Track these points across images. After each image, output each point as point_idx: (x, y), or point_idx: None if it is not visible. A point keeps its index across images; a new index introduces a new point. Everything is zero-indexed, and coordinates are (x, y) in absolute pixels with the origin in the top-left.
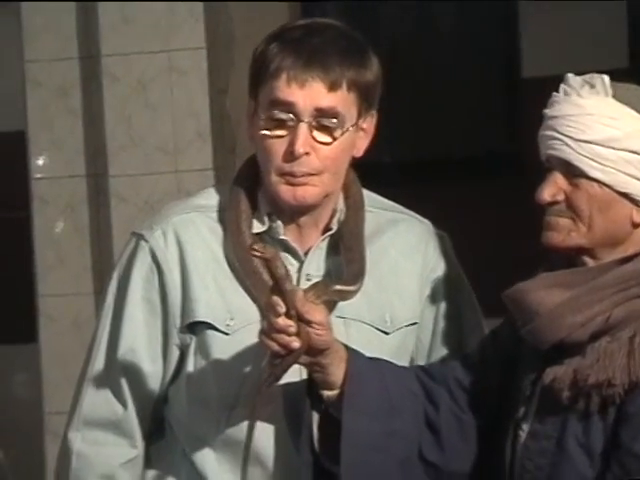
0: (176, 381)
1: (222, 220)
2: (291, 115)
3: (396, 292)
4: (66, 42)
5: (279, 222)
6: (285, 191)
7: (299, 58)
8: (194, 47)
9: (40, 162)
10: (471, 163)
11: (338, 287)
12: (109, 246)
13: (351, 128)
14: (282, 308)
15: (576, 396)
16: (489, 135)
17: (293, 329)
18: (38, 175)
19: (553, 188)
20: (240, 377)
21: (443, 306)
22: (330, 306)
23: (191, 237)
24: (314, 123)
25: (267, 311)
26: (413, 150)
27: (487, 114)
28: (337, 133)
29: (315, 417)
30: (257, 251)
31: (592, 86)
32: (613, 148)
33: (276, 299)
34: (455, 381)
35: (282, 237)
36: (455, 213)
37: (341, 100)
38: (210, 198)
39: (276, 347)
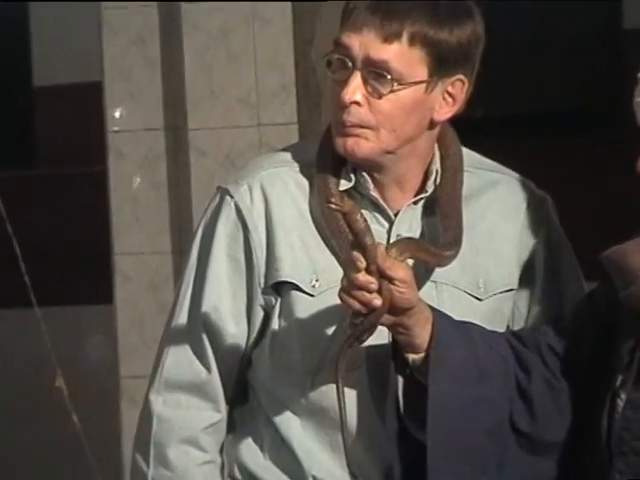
0: (260, 344)
1: (310, 176)
2: (347, 60)
3: (492, 256)
4: None
5: (366, 176)
6: (338, 142)
7: (369, 7)
8: None
9: (117, 114)
10: (567, 117)
11: (430, 248)
12: (188, 203)
13: (411, 87)
14: (362, 263)
15: None
16: (586, 88)
17: (374, 286)
18: (115, 128)
19: None
20: (324, 341)
21: (542, 272)
22: (419, 269)
23: (278, 193)
24: (366, 72)
25: (347, 267)
26: (507, 104)
27: (585, 67)
28: (386, 88)
29: (400, 382)
30: (334, 204)
31: None
32: None
33: (356, 254)
34: (547, 347)
35: (372, 193)
36: (549, 170)
37: (397, 54)
38: (298, 153)
39: (357, 305)
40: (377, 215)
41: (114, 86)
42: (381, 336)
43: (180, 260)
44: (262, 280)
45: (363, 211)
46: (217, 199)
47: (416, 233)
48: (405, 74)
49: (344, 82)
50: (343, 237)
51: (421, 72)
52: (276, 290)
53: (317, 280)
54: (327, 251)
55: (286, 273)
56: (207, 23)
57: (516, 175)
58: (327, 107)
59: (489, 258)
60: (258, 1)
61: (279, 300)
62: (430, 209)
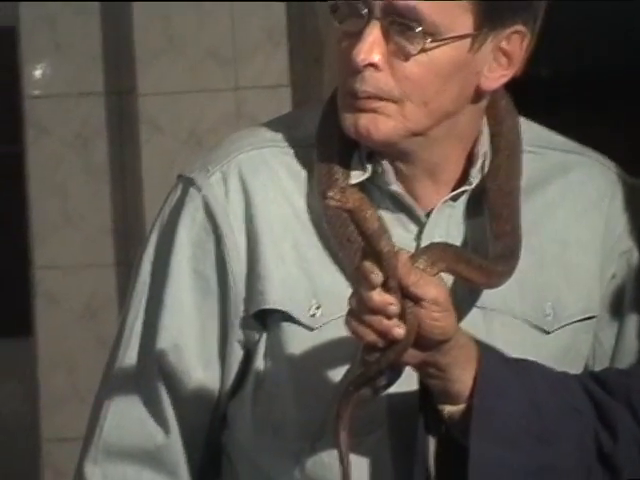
0: (238, 395)
1: (308, 161)
2: (361, 5)
3: (564, 271)
4: None
5: (386, 165)
6: (347, 119)
7: None
8: None
9: (37, 73)
10: None
11: (475, 259)
12: (137, 196)
13: (451, 43)
14: (378, 276)
15: None
16: None
17: (395, 308)
18: (35, 92)
19: None
20: (328, 392)
21: (636, 293)
22: (460, 289)
23: (264, 184)
24: (387, 23)
25: (357, 282)
26: (580, 60)
27: None
28: (415, 46)
29: (432, 444)
30: (333, 199)
31: None
32: None
33: (369, 264)
34: None
35: (392, 188)
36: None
37: (435, 2)
38: (292, 127)
39: (371, 336)
40: (402, 216)
41: (33, 34)
42: (407, 382)
43: (127, 276)
44: (241, 307)
45: (383, 213)
46: (178, 192)
47: (456, 241)
48: (443, 26)
49: (356, 36)
50: (354, 246)
51: (465, 23)
52: (261, 320)
53: (318, 307)
54: (332, 266)
55: (275, 298)
56: None
57: (598, 156)
58: (333, 65)
59: (560, 274)
60: None
61: (265, 334)
62: (476, 207)
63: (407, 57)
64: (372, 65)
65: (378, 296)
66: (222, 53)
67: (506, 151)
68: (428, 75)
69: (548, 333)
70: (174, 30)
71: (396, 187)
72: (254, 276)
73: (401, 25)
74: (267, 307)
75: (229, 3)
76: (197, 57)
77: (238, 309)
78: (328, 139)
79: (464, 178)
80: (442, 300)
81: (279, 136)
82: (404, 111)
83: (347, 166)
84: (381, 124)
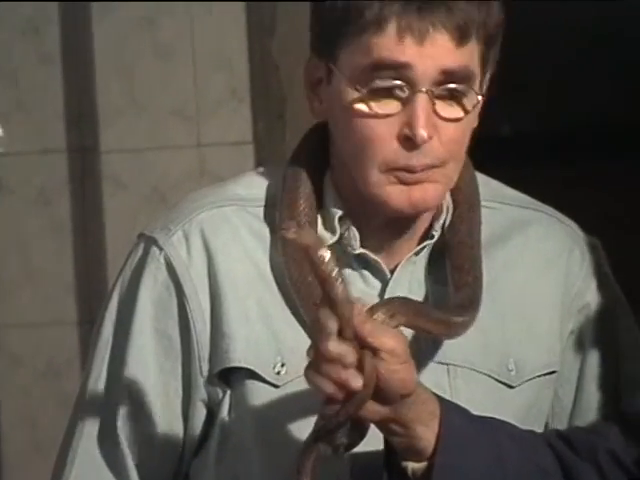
0: (202, 453)
1: (270, 219)
2: (404, 82)
3: (525, 326)
4: None
5: (353, 231)
6: (398, 195)
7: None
8: None
9: None
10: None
11: (433, 312)
12: (100, 253)
13: (481, 93)
14: (334, 325)
15: None
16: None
17: (351, 357)
18: None
19: None
20: (294, 449)
21: (595, 348)
22: (422, 344)
23: (226, 243)
24: (438, 92)
25: (313, 332)
26: (542, 119)
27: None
28: (469, 103)
29: None
30: (288, 231)
31: None
32: None
33: (325, 312)
34: (609, 456)
35: (358, 252)
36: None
37: (471, 55)
38: (253, 186)
39: (329, 387)
40: (366, 273)
41: None
42: (372, 442)
43: (89, 334)
44: (205, 366)
45: (345, 271)
46: (139, 251)
47: (419, 295)
48: (477, 80)
49: (394, 114)
50: (313, 299)
51: (480, 72)
52: (225, 379)
53: (283, 365)
54: (296, 324)
55: (240, 356)
56: (125, 4)
57: (555, 212)
58: (295, 121)
59: (521, 329)
60: None
61: (229, 393)
62: (438, 259)
63: (459, 120)
64: (429, 138)
65: (334, 345)
66: (185, 110)
67: (465, 204)
68: (467, 131)
69: (512, 388)
70: (137, 87)
71: (362, 250)
72: (218, 335)
73: (453, 89)
74: (232, 365)
75: (191, 58)
76: (160, 114)
77: (202, 368)
78: (293, 199)
79: (427, 231)
80: (400, 351)
81: (239, 195)
82: (447, 172)
83: (313, 225)
84: (433, 191)
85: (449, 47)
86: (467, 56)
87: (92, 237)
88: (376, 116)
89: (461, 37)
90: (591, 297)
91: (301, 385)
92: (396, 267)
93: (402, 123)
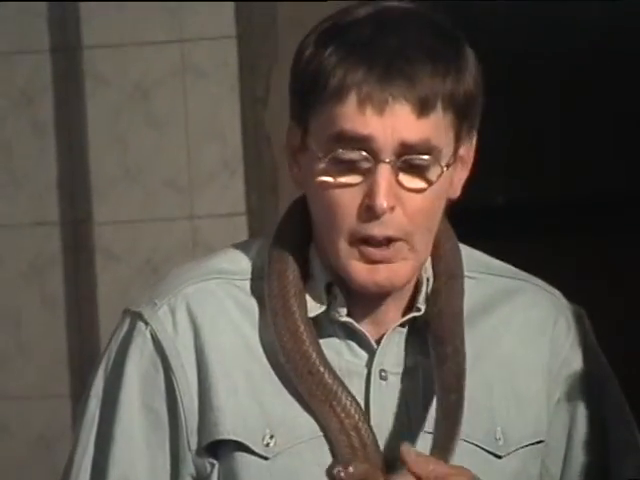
0: None
1: (257, 292)
2: (365, 154)
3: (512, 396)
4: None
5: (340, 298)
6: (364, 272)
7: (372, 69)
8: (219, 36)
9: None
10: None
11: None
12: (93, 325)
13: (449, 165)
14: None
15: None
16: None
17: None
18: None
19: None
20: None
21: (582, 416)
22: (413, 415)
23: (212, 316)
24: (399, 163)
25: None
26: (539, 188)
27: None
28: (433, 174)
29: None
30: (342, 471)
31: None
32: None
33: None
34: None
35: (344, 319)
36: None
37: (435, 127)
38: (238, 259)
39: None
40: (352, 344)
41: None
42: None
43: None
44: (193, 439)
45: (333, 339)
46: (125, 327)
47: (402, 366)
48: (444, 151)
49: (357, 184)
50: (315, 378)
51: (452, 142)
52: (213, 452)
53: (272, 437)
54: (286, 395)
55: (228, 428)
56: (119, 76)
57: (539, 282)
58: (288, 193)
59: (509, 398)
60: (191, 40)
61: (217, 466)
62: (423, 330)
63: (422, 191)
64: (390, 208)
65: None
66: (178, 181)
67: (444, 275)
68: (435, 201)
69: (500, 458)
70: (130, 158)
71: (347, 319)
72: (206, 408)
73: (410, 162)
74: (221, 438)
75: (184, 130)
76: (153, 185)
77: (190, 442)
78: (280, 271)
79: (412, 299)
80: None
81: (224, 268)
82: (415, 246)
83: (300, 297)
84: (402, 270)
85: (410, 119)
86: (430, 128)
87: (85, 309)
88: (339, 186)
89: (422, 109)
90: (577, 365)
91: (290, 456)
92: (382, 336)
93: (364, 193)
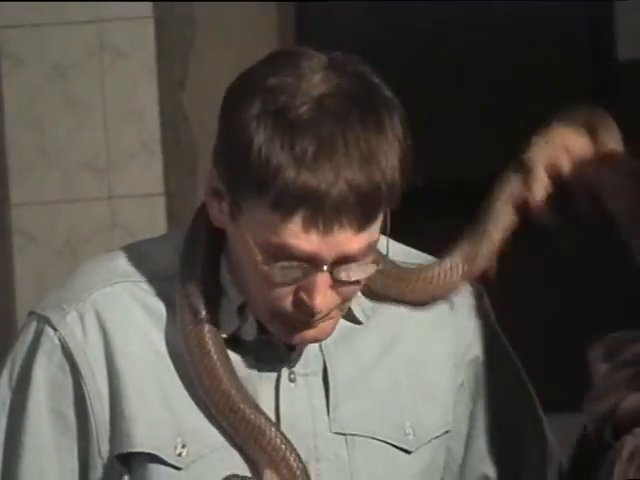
0: None
1: (164, 294)
2: (305, 264)
3: (420, 389)
4: None
5: (250, 319)
6: (281, 332)
7: (325, 195)
8: (136, 16)
9: None
10: None
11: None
12: (10, 308)
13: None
14: None
15: None
16: None
17: None
18: None
19: None
20: None
21: (484, 398)
22: (319, 416)
23: (121, 322)
24: (337, 269)
25: None
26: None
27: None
28: (369, 271)
29: None
30: None
31: None
32: None
33: None
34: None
35: (251, 339)
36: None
37: (375, 229)
38: (145, 259)
39: None
40: (265, 351)
41: None
42: None
43: None
44: (104, 447)
45: (246, 352)
46: (32, 330)
47: (315, 367)
48: (377, 236)
49: (293, 279)
50: (237, 417)
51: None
52: (125, 461)
53: (184, 446)
54: (196, 403)
55: (141, 440)
56: (35, 55)
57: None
58: (206, 172)
59: (417, 392)
60: (107, 21)
61: (127, 477)
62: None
63: (358, 282)
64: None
65: None
66: (96, 163)
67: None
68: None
69: (409, 453)
70: (48, 139)
71: (261, 336)
72: (118, 416)
73: (348, 266)
74: (133, 450)
75: (102, 111)
76: (71, 167)
77: (101, 450)
78: (190, 285)
79: None
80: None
81: (132, 269)
82: (345, 307)
83: (213, 315)
84: (329, 327)
85: (352, 235)
86: (370, 234)
87: (2, 291)
88: (275, 284)
89: (365, 224)
90: (479, 348)
91: (203, 465)
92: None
93: (300, 287)
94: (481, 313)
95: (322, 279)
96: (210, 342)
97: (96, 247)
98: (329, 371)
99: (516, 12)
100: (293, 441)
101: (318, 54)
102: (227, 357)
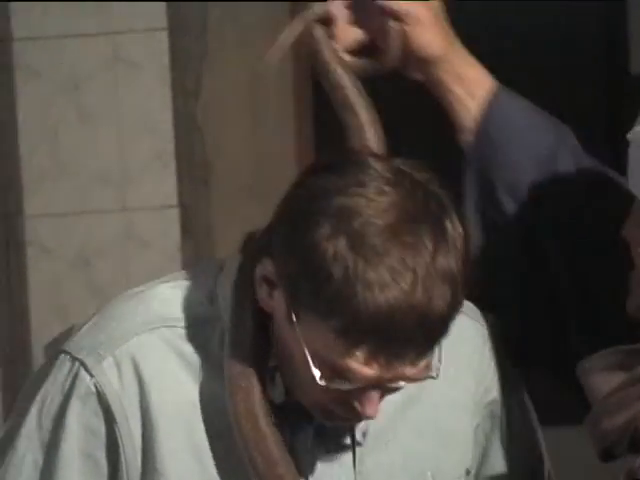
0: None
1: (198, 340)
2: (362, 385)
3: (441, 438)
4: None
5: (278, 381)
6: (324, 419)
7: (386, 327)
8: (150, 28)
9: None
10: None
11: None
12: (24, 323)
13: None
14: None
15: None
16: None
17: None
18: None
19: None
20: None
21: (496, 434)
22: (344, 472)
23: (157, 372)
24: (394, 382)
25: None
26: None
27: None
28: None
29: None
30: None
31: None
32: None
33: None
34: None
35: (279, 401)
36: None
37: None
38: (174, 302)
39: None
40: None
41: None
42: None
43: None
44: None
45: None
46: (65, 371)
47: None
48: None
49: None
50: (268, 458)
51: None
52: None
53: None
54: (229, 460)
55: None
56: (50, 67)
57: (466, 308)
58: (220, 186)
59: (438, 441)
60: (123, 34)
61: None
62: None
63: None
64: None
65: None
66: (110, 174)
67: None
68: None
69: None
70: (62, 151)
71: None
72: (149, 468)
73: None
74: None
75: (116, 125)
76: (85, 178)
77: None
78: (243, 329)
79: None
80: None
81: (167, 314)
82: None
83: (261, 375)
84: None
85: (412, 364)
86: (431, 357)
87: (17, 305)
88: (328, 392)
89: (428, 353)
90: (496, 389)
91: None
92: None
93: (353, 392)
94: (497, 352)
95: (377, 393)
96: (268, 431)
97: (110, 259)
98: (356, 424)
99: (531, 27)
100: None
101: (381, 163)
102: (277, 431)
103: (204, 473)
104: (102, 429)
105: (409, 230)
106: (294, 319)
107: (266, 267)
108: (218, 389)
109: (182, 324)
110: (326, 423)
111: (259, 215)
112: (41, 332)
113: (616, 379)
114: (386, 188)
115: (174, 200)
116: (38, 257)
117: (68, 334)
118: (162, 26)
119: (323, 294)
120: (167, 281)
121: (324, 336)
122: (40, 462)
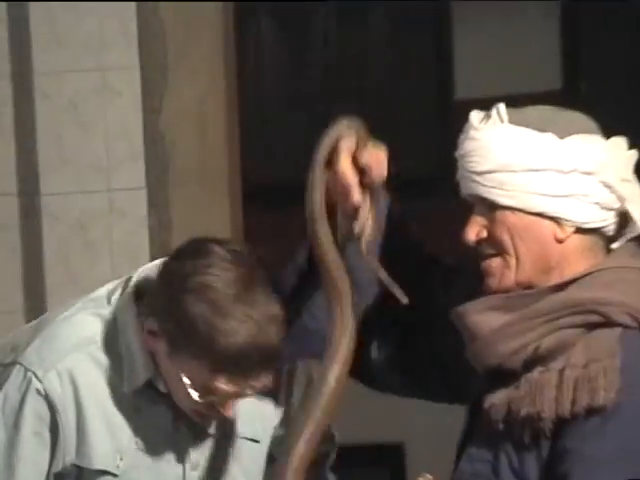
0: None
1: (107, 355)
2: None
3: None
4: None
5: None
6: (197, 418)
7: (241, 360)
8: (128, 66)
9: None
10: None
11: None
12: (40, 266)
13: None
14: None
15: (511, 426)
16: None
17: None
18: None
19: (475, 226)
20: None
21: None
22: None
23: (85, 378)
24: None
25: None
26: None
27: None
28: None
29: None
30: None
31: (489, 117)
32: (513, 171)
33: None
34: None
35: (165, 391)
36: None
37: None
38: (89, 326)
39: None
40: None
41: None
42: None
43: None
44: (68, 459)
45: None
46: (21, 378)
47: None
48: None
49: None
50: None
51: None
52: (81, 469)
53: (121, 459)
54: (130, 430)
55: (97, 460)
56: (58, 93)
57: None
58: (176, 173)
59: None
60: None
61: (80, 473)
62: None
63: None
64: None
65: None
66: (99, 165)
67: None
68: None
69: None
70: (66, 150)
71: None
72: (82, 442)
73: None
74: (92, 468)
75: (104, 131)
76: (82, 168)
77: (65, 459)
78: (130, 350)
79: None
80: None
81: (91, 334)
82: None
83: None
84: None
85: (259, 382)
86: (269, 376)
87: (34, 260)
88: (199, 403)
89: (269, 373)
90: None
91: (135, 472)
92: None
93: (217, 402)
94: None
95: (233, 400)
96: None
97: (99, 225)
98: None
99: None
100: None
101: (219, 247)
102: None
103: (115, 441)
104: (48, 416)
105: (248, 293)
106: (173, 358)
107: (151, 324)
108: (121, 383)
109: (98, 340)
110: (198, 421)
111: (202, 194)
112: (53, 274)
113: (499, 318)
114: (228, 266)
115: (143, 183)
116: (50, 223)
117: (13, 340)
118: (135, 65)
119: (193, 343)
120: (85, 308)
121: (196, 369)
122: (4, 439)
